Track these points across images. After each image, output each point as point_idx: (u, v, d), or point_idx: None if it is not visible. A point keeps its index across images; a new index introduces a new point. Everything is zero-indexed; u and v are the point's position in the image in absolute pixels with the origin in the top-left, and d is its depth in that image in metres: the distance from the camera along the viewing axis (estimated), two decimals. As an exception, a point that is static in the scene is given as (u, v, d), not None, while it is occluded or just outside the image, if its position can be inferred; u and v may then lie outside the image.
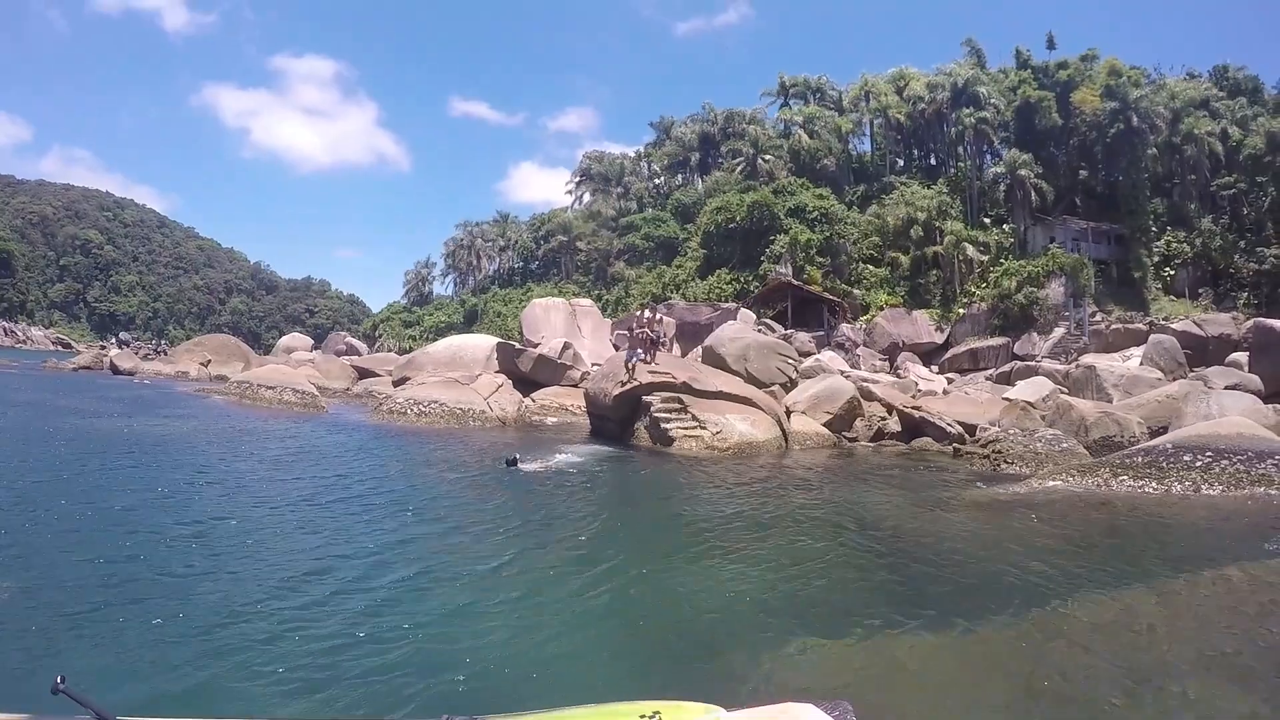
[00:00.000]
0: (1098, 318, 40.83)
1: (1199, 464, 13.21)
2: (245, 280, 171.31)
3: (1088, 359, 34.04)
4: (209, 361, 49.09)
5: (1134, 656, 5.84)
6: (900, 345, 43.78)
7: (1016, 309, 41.93)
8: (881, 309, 46.62)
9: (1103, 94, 46.27)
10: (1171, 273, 44.52)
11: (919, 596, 7.49)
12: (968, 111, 50.50)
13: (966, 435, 22.22)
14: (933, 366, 41.69)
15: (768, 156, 59.61)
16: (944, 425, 22.63)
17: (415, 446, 19.56)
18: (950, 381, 36.85)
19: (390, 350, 63.96)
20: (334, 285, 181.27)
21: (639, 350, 22.90)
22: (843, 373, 32.77)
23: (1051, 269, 42.48)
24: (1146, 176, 45.83)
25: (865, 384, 28.92)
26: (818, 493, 14.19)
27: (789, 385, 27.38)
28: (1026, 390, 28.32)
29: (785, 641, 6.05)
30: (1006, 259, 45.51)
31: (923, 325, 44.86)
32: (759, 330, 40.05)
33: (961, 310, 44.59)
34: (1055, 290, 42.08)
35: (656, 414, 20.78)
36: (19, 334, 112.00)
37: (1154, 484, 13.13)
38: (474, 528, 10.18)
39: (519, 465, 14.27)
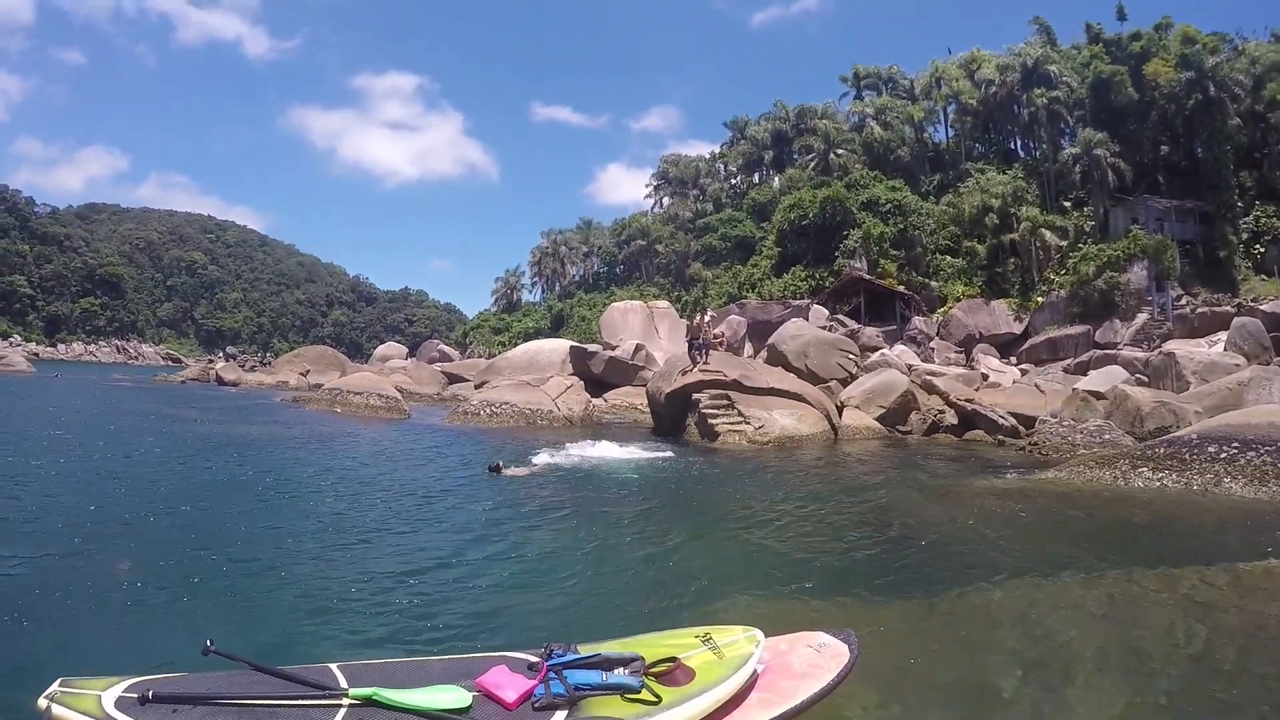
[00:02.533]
0: (1183, 301, 39.26)
1: (1224, 456, 12.79)
2: (345, 293, 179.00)
3: (1170, 345, 32.91)
4: (308, 371, 51.63)
5: (1099, 636, 6.22)
6: (977, 336, 43.11)
7: (1096, 295, 40.51)
8: (959, 300, 45.88)
9: (1177, 64, 44.19)
10: (1262, 250, 42.01)
11: (894, 566, 8.49)
12: (1039, 92, 49.08)
13: (1022, 428, 22.16)
14: (1011, 358, 40.93)
15: (840, 151, 59.32)
16: (996, 417, 22.66)
17: (479, 444, 20.68)
18: (1024, 373, 36.25)
19: (480, 356, 65.85)
20: (431, 295, 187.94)
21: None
22: (910, 366, 32.85)
23: (1133, 252, 40.85)
24: (1230, 149, 43.25)
25: (928, 377, 28.85)
26: (836, 480, 15.06)
27: (849, 380, 27.66)
28: (1099, 380, 27.73)
29: (791, 592, 7.23)
30: (1086, 243, 44.12)
31: (1000, 315, 44.01)
32: (828, 327, 40.25)
33: (1040, 299, 43.54)
34: (1137, 274, 40.52)
35: (704, 410, 21.62)
36: (131, 351, 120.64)
37: (1175, 476, 12.85)
38: (524, 511, 11.52)
39: (502, 472, 14.33)
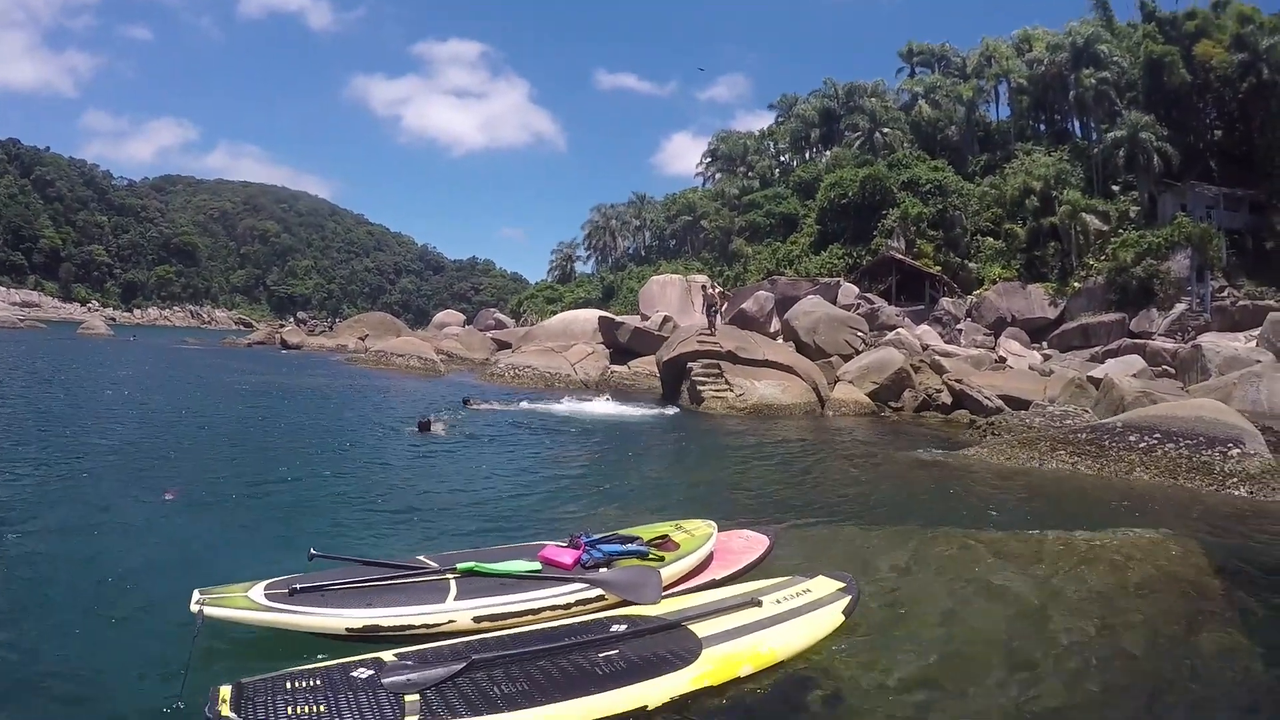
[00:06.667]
0: (1224, 293, 37.71)
1: (1143, 445, 12.74)
2: (413, 262, 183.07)
3: (1204, 338, 31.90)
4: (366, 336, 53.81)
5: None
6: (1009, 320, 42.15)
7: (1135, 283, 39.07)
8: (994, 282, 44.98)
9: (1230, 45, 41.74)
10: (1315, 243, 39.86)
11: (793, 505, 10.58)
12: (1088, 73, 47.24)
13: (1009, 409, 22.01)
14: (1043, 343, 40.04)
15: (886, 129, 58.33)
16: (981, 398, 22.77)
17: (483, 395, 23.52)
18: (1046, 358, 35.54)
19: (531, 324, 66.99)
20: (499, 264, 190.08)
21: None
22: (926, 346, 32.77)
23: (1175, 240, 39.27)
24: (1285, 135, 40.73)
25: (937, 357, 29.04)
26: (782, 441, 17.07)
27: (853, 356, 27.97)
28: (1114, 368, 27.27)
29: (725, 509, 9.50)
30: (1128, 229, 42.62)
31: (1036, 299, 42.80)
32: (854, 305, 40.20)
33: (1078, 284, 42.15)
34: (1179, 263, 38.85)
35: (695, 377, 23.23)
36: (204, 316, 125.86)
37: (1090, 461, 12.94)
38: (505, 448, 14.60)
39: (431, 429, 15.36)
